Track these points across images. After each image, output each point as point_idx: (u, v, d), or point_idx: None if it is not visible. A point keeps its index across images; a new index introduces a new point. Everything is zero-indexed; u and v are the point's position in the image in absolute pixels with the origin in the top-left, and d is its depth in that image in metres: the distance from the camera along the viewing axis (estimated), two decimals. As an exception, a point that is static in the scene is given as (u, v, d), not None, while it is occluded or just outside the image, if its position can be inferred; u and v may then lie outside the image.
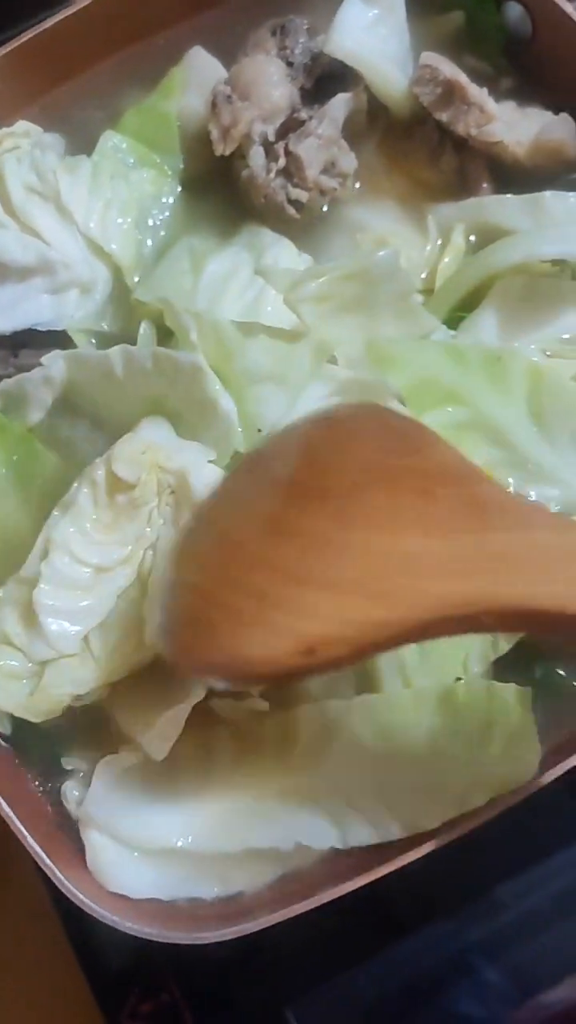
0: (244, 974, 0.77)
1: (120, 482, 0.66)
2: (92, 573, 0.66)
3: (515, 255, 0.71)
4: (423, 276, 0.76)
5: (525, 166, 0.74)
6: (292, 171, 0.75)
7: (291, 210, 0.75)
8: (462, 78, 0.73)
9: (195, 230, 0.78)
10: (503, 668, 0.66)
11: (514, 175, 0.76)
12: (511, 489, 0.66)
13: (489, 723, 0.61)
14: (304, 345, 0.67)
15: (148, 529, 0.66)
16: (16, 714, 0.66)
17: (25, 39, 0.77)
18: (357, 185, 0.79)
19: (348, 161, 0.76)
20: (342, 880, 0.62)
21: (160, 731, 0.63)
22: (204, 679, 0.59)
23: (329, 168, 0.75)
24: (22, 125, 0.79)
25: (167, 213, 0.79)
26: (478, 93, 0.73)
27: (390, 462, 0.49)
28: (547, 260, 0.71)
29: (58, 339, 0.76)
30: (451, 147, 0.76)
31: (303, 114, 0.75)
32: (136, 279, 0.76)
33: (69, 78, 0.82)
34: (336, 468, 0.50)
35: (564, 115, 0.76)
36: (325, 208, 0.77)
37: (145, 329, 0.72)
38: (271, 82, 0.75)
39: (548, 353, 0.70)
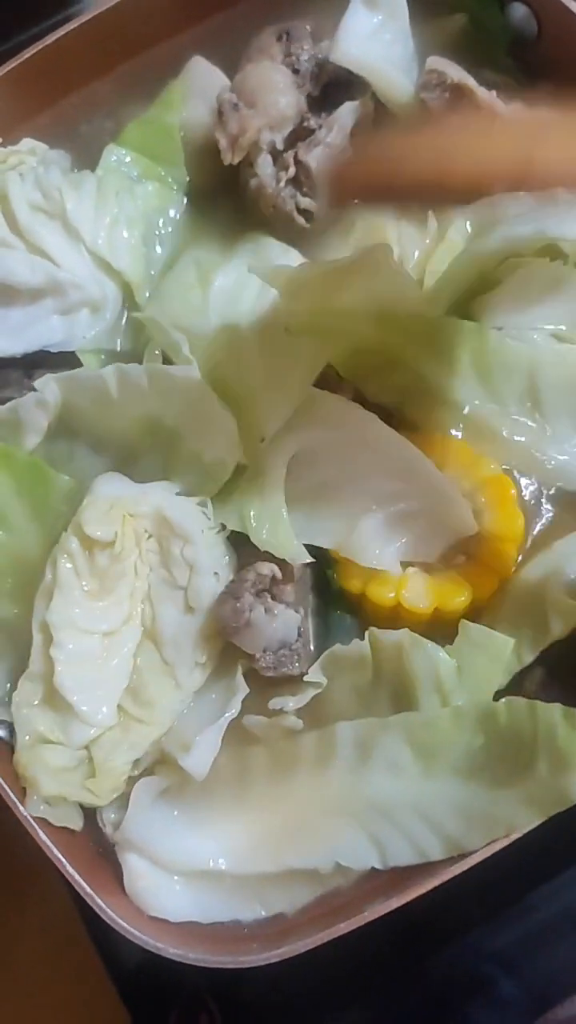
0: (282, 995, 0.77)
1: (96, 544, 0.65)
2: (101, 640, 0.65)
3: (494, 242, 0.70)
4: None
5: None
6: (302, 180, 0.74)
7: (301, 219, 0.74)
8: (470, 82, 0.72)
9: (200, 243, 0.77)
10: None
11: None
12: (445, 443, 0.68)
13: (534, 743, 0.60)
14: (300, 346, 0.67)
15: (137, 582, 0.66)
16: (84, 803, 0.66)
17: (27, 56, 0.76)
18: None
19: None
20: (380, 897, 0.62)
21: (199, 751, 0.63)
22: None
23: None
24: (27, 143, 0.79)
25: (171, 227, 0.78)
26: (487, 96, 0.72)
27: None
28: (527, 240, 0.70)
29: (71, 360, 0.75)
30: None
31: (312, 122, 0.74)
32: (147, 295, 0.76)
33: (71, 93, 0.82)
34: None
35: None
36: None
37: (151, 350, 0.71)
38: (278, 89, 0.74)
39: (559, 338, 0.70)
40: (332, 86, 0.76)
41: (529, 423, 0.68)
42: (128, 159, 0.78)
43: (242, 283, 0.73)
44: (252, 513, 0.65)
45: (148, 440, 0.70)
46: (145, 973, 0.79)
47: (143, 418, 0.69)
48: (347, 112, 0.75)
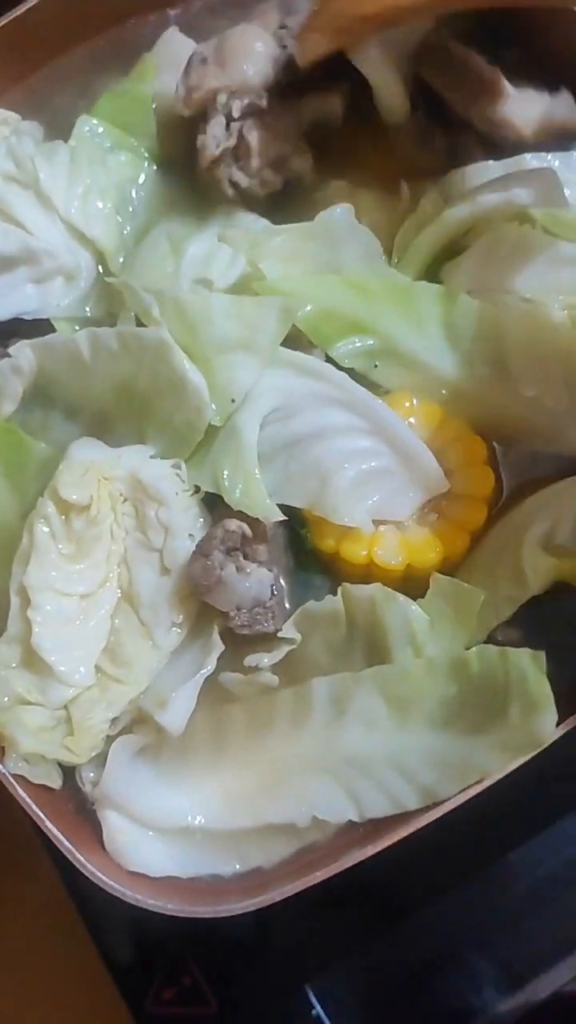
0: (262, 953, 0.78)
1: (73, 507, 0.66)
2: (78, 602, 0.66)
3: (464, 211, 0.71)
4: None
5: (527, 142, 0.74)
6: (239, 155, 0.74)
7: (228, 190, 0.75)
8: (475, 57, 0.72)
9: (171, 214, 0.77)
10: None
11: (505, 147, 0.75)
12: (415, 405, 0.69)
13: (505, 690, 0.60)
14: (269, 306, 0.67)
15: (113, 546, 0.67)
16: (63, 761, 0.66)
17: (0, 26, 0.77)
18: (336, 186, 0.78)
19: (301, 162, 0.75)
20: (357, 849, 0.62)
21: (175, 707, 0.64)
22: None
23: (279, 163, 0.74)
24: (0, 113, 0.79)
25: (142, 196, 0.78)
26: (491, 72, 0.72)
27: None
28: (498, 209, 0.70)
29: (44, 328, 0.75)
30: (440, 127, 0.75)
31: (264, 101, 0.73)
32: (120, 263, 0.76)
33: (44, 65, 0.82)
34: None
35: (565, 93, 0.75)
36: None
37: (124, 316, 0.72)
38: (251, 56, 0.74)
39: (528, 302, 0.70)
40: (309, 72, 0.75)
41: (497, 383, 0.68)
42: (100, 129, 0.78)
43: (212, 252, 0.74)
44: (225, 473, 0.66)
45: (122, 405, 0.70)
46: (129, 938, 0.80)
47: (116, 382, 0.70)
48: (310, 105, 0.75)
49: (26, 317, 0.75)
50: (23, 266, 0.74)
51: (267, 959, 0.78)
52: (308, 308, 0.67)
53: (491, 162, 0.73)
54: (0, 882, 0.86)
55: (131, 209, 0.78)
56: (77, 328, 0.75)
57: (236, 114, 0.74)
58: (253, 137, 0.73)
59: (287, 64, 0.75)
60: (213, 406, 0.66)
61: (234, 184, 0.75)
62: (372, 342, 0.68)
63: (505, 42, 0.77)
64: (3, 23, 0.77)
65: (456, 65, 0.73)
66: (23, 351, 0.70)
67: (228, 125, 0.74)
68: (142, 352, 0.67)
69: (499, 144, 0.74)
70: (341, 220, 0.71)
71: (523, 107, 0.73)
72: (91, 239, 0.75)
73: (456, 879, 0.78)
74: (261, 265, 0.68)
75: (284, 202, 0.77)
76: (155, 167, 0.79)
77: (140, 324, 0.71)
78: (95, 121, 0.78)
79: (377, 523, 0.67)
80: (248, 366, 0.67)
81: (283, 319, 0.67)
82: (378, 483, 0.66)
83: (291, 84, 0.75)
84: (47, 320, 0.76)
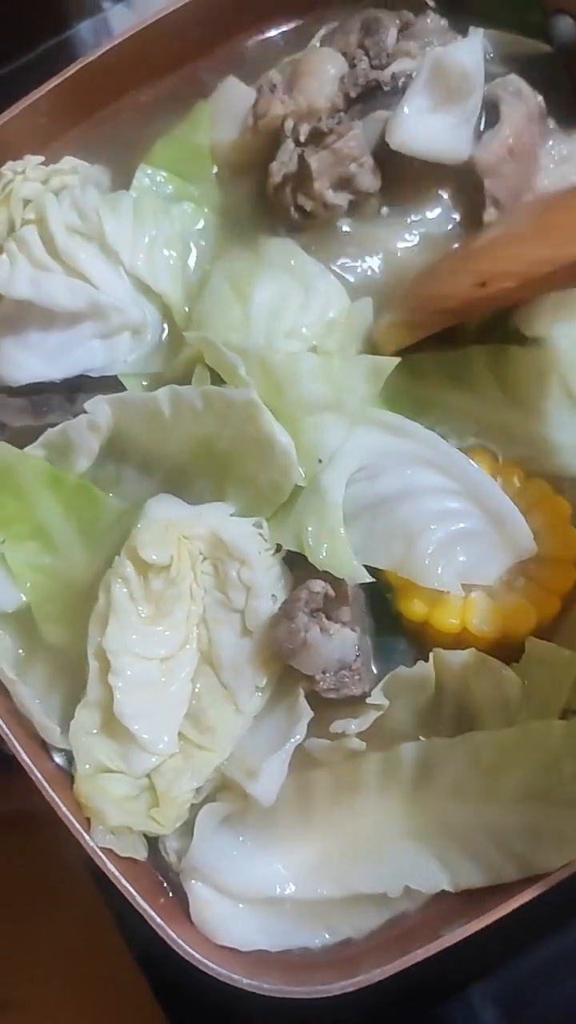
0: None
1: (152, 568, 0.64)
2: (159, 666, 0.65)
3: None
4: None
5: None
6: (302, 178, 0.72)
7: (295, 215, 0.73)
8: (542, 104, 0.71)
9: (227, 254, 0.75)
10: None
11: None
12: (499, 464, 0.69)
13: None
14: (358, 367, 0.66)
15: (193, 606, 0.65)
16: (149, 832, 0.65)
17: (69, 74, 0.75)
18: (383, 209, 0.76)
19: (369, 181, 0.73)
20: (451, 920, 0.61)
21: (266, 776, 0.62)
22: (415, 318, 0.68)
23: (343, 184, 0.72)
24: (68, 161, 0.77)
25: (203, 245, 0.76)
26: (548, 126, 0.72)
27: None
28: None
29: (111, 384, 0.74)
30: None
31: (324, 125, 0.72)
32: (186, 311, 0.74)
33: (109, 109, 0.81)
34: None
35: None
36: (346, 228, 0.74)
37: (200, 372, 0.70)
38: (320, 80, 0.73)
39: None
40: (377, 92, 0.74)
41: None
42: (160, 178, 0.76)
43: (283, 295, 0.71)
44: (310, 532, 0.64)
45: (200, 461, 0.69)
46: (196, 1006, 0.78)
47: (195, 440, 0.68)
48: (373, 122, 0.73)
49: (92, 374, 0.73)
50: (89, 321, 0.72)
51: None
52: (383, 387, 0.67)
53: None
54: (50, 927, 0.84)
55: (193, 260, 0.76)
56: (145, 384, 0.73)
57: (303, 139, 0.72)
58: (314, 160, 0.71)
59: (360, 81, 0.74)
60: (300, 468, 0.65)
61: (300, 208, 0.73)
62: (441, 414, 0.68)
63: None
64: (71, 72, 0.75)
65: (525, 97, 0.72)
66: (100, 406, 0.68)
67: (294, 151, 0.73)
68: (227, 411, 0.66)
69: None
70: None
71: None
72: (158, 292, 0.73)
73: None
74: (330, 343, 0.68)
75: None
76: (213, 216, 0.77)
77: (216, 380, 0.69)
78: (154, 170, 0.76)
79: (466, 588, 0.65)
80: (336, 427, 0.65)
81: (373, 380, 0.65)
82: (466, 545, 0.65)
83: (362, 99, 0.74)
84: (114, 377, 0.74)
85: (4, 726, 0.64)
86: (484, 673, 0.64)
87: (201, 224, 0.77)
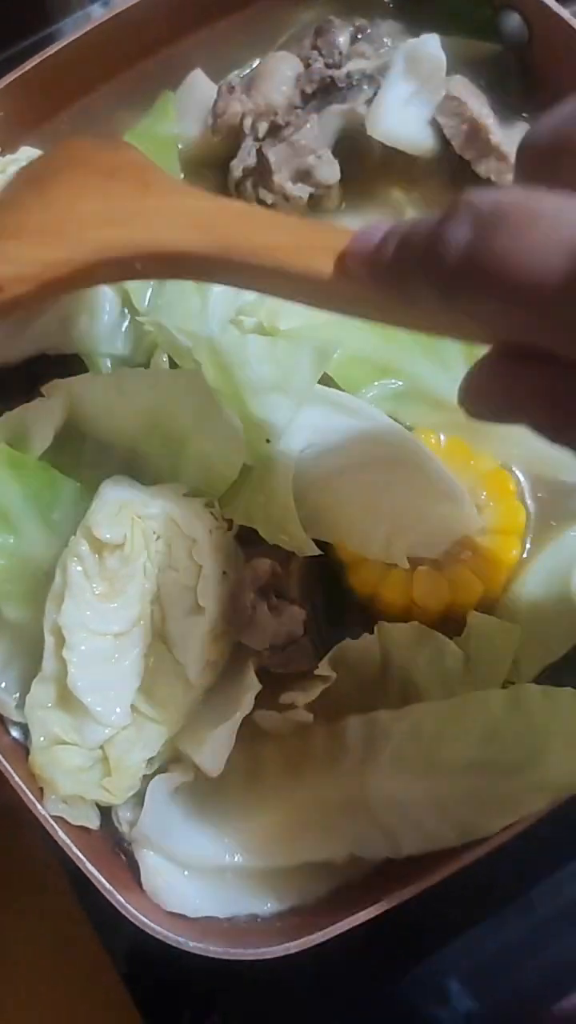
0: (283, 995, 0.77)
1: (106, 546, 0.66)
2: (112, 641, 0.66)
3: None
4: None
5: None
6: (262, 173, 0.75)
7: None
8: (488, 120, 0.73)
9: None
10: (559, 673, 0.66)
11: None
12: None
13: (546, 728, 0.60)
14: (304, 349, 0.67)
15: (146, 584, 0.67)
16: (101, 802, 0.66)
17: (28, 68, 0.77)
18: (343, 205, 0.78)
19: (328, 172, 0.75)
20: (394, 886, 0.62)
21: (213, 747, 0.64)
22: None
23: (303, 176, 0.75)
24: (25, 151, 0.79)
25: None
26: (500, 139, 0.73)
27: (88, 154, 0.63)
28: None
29: (71, 363, 0.75)
30: (471, 177, 0.75)
31: (280, 119, 0.75)
32: (146, 301, 0.76)
33: (70, 103, 0.83)
34: (49, 158, 0.67)
35: None
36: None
37: (157, 356, 0.73)
38: (276, 79, 0.75)
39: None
40: (332, 88, 0.76)
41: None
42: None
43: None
44: (260, 506, 0.66)
45: (154, 443, 0.71)
46: (154, 973, 0.79)
47: (149, 421, 0.70)
48: (329, 116, 0.75)
49: (50, 353, 0.75)
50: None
51: (288, 1002, 0.78)
52: (335, 356, 0.68)
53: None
54: (19, 917, 0.85)
55: None
56: (108, 364, 0.75)
57: (261, 134, 0.75)
58: (272, 153, 0.73)
59: (315, 78, 0.76)
60: (247, 447, 0.67)
61: (261, 202, 0.75)
62: (399, 384, 0.69)
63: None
64: (31, 66, 0.77)
65: (467, 120, 0.74)
66: (56, 389, 0.70)
67: (253, 146, 0.75)
68: (178, 393, 0.68)
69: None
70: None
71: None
72: None
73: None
74: (279, 324, 0.69)
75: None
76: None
77: (172, 364, 0.71)
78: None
79: (413, 561, 0.67)
80: (283, 407, 0.67)
81: (318, 361, 0.67)
82: (414, 520, 0.66)
83: (320, 95, 0.76)
84: (74, 356, 0.75)
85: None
86: (427, 645, 0.65)
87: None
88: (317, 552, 0.65)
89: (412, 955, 0.78)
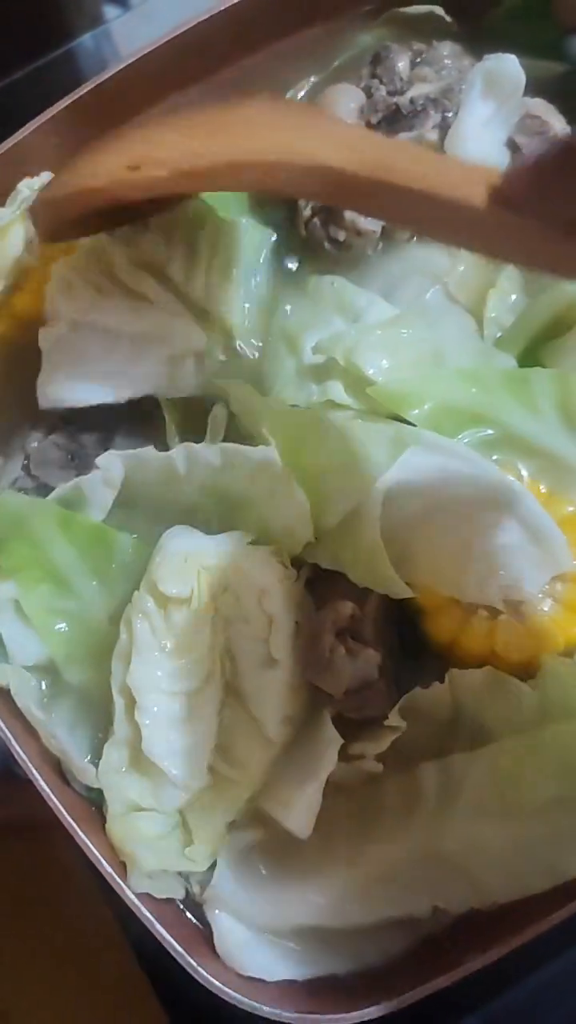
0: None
1: (172, 600, 0.64)
2: (185, 700, 0.64)
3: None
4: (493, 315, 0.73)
5: None
6: (332, 209, 0.72)
7: (331, 248, 0.73)
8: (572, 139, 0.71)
9: (282, 295, 0.75)
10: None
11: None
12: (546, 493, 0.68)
13: None
14: (380, 435, 0.65)
15: (216, 637, 0.64)
16: (187, 870, 0.64)
17: (82, 93, 0.75)
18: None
19: None
20: (478, 942, 0.61)
21: (300, 808, 0.62)
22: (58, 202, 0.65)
23: None
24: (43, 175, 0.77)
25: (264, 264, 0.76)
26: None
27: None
28: None
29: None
30: None
31: None
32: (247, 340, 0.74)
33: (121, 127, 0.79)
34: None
35: None
36: (371, 252, 0.75)
37: (217, 412, 0.71)
38: (342, 112, 0.73)
39: None
40: (397, 116, 0.74)
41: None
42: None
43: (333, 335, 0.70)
44: (347, 549, 0.64)
45: (212, 505, 0.69)
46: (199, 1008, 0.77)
47: (210, 489, 0.68)
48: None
49: (157, 394, 0.73)
50: (156, 346, 0.72)
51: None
52: (426, 407, 0.66)
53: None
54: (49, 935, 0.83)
55: (254, 279, 0.75)
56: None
57: None
58: None
59: (379, 107, 0.74)
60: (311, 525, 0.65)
61: (333, 240, 0.73)
62: (491, 432, 0.67)
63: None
64: (86, 90, 0.75)
65: (551, 138, 0.71)
66: (114, 463, 0.68)
67: None
68: (245, 469, 0.66)
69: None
70: (435, 301, 0.70)
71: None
72: (217, 317, 0.72)
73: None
74: (365, 366, 0.66)
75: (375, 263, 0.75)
76: (273, 238, 0.77)
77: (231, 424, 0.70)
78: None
79: (492, 611, 0.65)
80: (352, 487, 0.65)
81: (393, 450, 0.65)
82: (506, 560, 0.64)
83: (385, 124, 0.74)
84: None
85: (34, 770, 0.64)
86: (500, 690, 0.63)
87: (261, 242, 0.76)
88: (410, 594, 0.63)
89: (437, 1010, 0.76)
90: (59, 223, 0.67)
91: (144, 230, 0.74)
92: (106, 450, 0.70)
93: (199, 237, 0.73)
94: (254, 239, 0.75)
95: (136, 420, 0.74)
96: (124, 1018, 0.80)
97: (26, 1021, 0.80)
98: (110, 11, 0.99)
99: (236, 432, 0.71)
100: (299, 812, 0.61)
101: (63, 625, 0.67)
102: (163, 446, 0.71)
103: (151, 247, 0.72)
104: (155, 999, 0.76)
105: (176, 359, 0.72)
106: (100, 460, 0.68)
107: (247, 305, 0.74)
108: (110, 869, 0.62)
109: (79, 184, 0.62)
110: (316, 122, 0.59)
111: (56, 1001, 0.80)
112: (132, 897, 0.61)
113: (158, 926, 0.60)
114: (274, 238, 0.76)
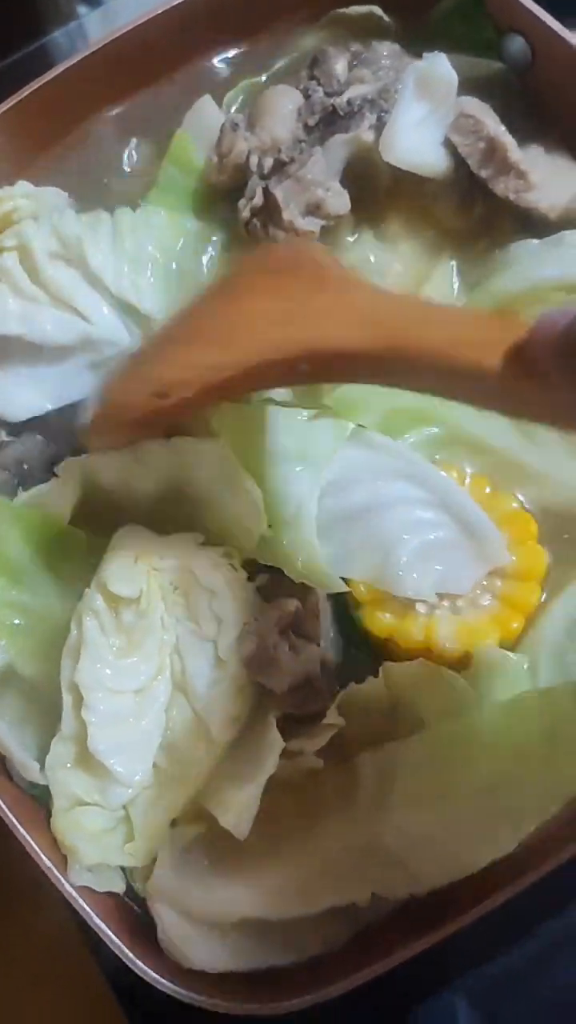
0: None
1: (122, 600, 0.64)
2: (132, 698, 0.64)
3: (517, 283, 0.71)
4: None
5: (552, 224, 0.74)
6: (271, 211, 0.73)
7: None
8: (506, 139, 0.71)
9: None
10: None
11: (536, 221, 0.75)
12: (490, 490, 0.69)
13: (551, 732, 0.60)
14: (323, 423, 0.67)
15: (165, 636, 0.65)
16: (127, 865, 0.65)
17: (26, 94, 0.75)
18: (371, 233, 0.77)
19: (338, 203, 0.73)
20: (415, 930, 0.61)
21: (239, 810, 0.62)
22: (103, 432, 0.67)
23: (313, 210, 0.73)
24: (22, 187, 0.76)
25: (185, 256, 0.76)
26: (519, 157, 0.71)
27: (267, 254, 0.64)
28: (551, 285, 0.70)
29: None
30: (481, 197, 0.74)
31: (284, 155, 0.73)
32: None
33: (70, 131, 0.80)
34: (237, 267, 0.64)
35: None
36: None
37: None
38: (279, 115, 0.74)
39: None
40: (334, 117, 0.74)
41: (560, 454, 0.69)
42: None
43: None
44: (284, 544, 0.65)
45: (170, 506, 0.69)
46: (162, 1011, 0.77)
47: (167, 487, 0.68)
48: (335, 146, 0.73)
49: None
50: (80, 353, 0.73)
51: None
52: (377, 415, 0.67)
53: (532, 241, 0.73)
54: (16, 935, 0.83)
55: (177, 272, 0.76)
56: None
57: (266, 171, 0.73)
58: (279, 191, 0.72)
59: (316, 108, 0.74)
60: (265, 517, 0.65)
61: (272, 240, 0.73)
62: (436, 430, 0.68)
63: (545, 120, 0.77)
64: (29, 92, 0.74)
65: (484, 139, 0.72)
66: (71, 469, 0.69)
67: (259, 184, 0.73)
68: (197, 462, 0.66)
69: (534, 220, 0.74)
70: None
71: (547, 190, 0.72)
72: (144, 313, 0.73)
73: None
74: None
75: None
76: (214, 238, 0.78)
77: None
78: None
79: (430, 606, 0.66)
80: (302, 479, 0.66)
81: (337, 436, 0.66)
82: (441, 555, 0.65)
83: (323, 125, 0.74)
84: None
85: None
86: (434, 681, 0.64)
87: (180, 237, 0.77)
88: (344, 589, 0.64)
89: (423, 981, 0.77)
90: (119, 442, 0.67)
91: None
92: (54, 463, 0.70)
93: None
94: (174, 230, 0.76)
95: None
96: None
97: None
98: (82, 8, 0.99)
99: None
100: (237, 813, 0.62)
101: (17, 619, 0.67)
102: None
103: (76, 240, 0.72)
104: (116, 1003, 0.76)
105: (102, 364, 0.73)
106: (59, 468, 0.69)
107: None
108: (49, 863, 0.62)
109: (118, 416, 0.64)
110: (321, 297, 0.55)
111: (14, 1007, 0.80)
112: (71, 890, 0.62)
113: (96, 919, 0.61)
114: (215, 238, 0.77)
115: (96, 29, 0.98)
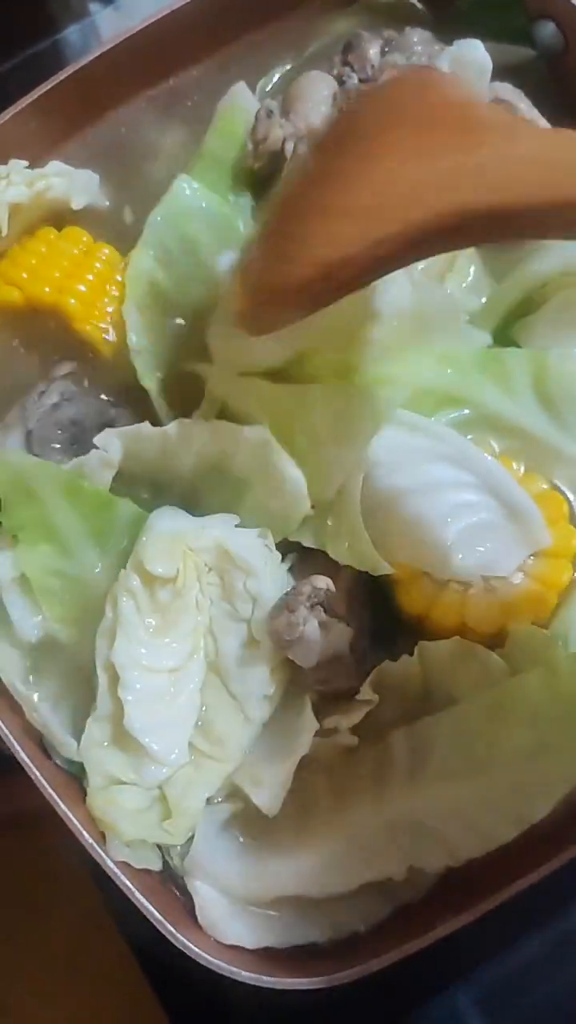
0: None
1: (158, 580, 0.65)
2: (167, 677, 0.65)
3: (550, 264, 0.71)
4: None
5: None
6: None
7: None
8: (541, 122, 0.71)
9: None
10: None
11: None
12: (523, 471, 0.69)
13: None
14: (363, 405, 0.66)
15: (199, 617, 0.65)
16: (163, 843, 0.65)
17: (61, 79, 0.75)
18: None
19: None
20: (452, 910, 0.62)
21: (271, 787, 0.63)
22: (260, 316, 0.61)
23: None
24: (55, 166, 0.77)
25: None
26: None
27: (402, 102, 0.56)
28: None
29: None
30: None
31: None
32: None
33: (102, 115, 0.81)
34: (362, 112, 0.57)
35: None
36: None
37: (208, 400, 0.70)
38: (314, 100, 0.74)
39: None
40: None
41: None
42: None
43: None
44: (330, 527, 0.65)
45: (211, 485, 0.69)
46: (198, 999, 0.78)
47: (207, 466, 0.69)
48: None
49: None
50: None
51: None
52: (406, 392, 0.67)
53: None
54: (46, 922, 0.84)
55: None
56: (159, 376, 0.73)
57: None
58: None
59: (351, 95, 0.74)
60: (309, 499, 0.66)
61: None
62: (467, 412, 0.68)
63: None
64: (63, 77, 0.75)
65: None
66: (111, 441, 0.68)
67: None
68: (239, 445, 0.66)
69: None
70: (440, 301, 0.70)
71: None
72: None
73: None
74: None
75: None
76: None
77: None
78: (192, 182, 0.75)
79: (463, 584, 0.66)
80: (344, 461, 0.66)
81: (376, 419, 0.65)
82: (486, 537, 0.65)
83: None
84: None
85: (16, 743, 0.65)
86: (469, 659, 0.65)
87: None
88: (390, 571, 0.64)
89: (426, 981, 0.78)
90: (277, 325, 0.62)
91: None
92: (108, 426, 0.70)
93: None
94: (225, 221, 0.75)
95: (132, 403, 0.75)
96: (121, 1011, 0.81)
97: (23, 1016, 0.81)
98: (93, 6, 1.00)
99: (228, 417, 0.70)
100: (270, 791, 0.63)
101: (59, 584, 0.67)
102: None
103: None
104: (152, 992, 0.77)
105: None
106: (98, 439, 0.68)
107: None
108: (90, 839, 0.63)
109: (272, 301, 0.59)
110: (481, 151, 0.51)
111: (53, 996, 0.81)
112: (112, 866, 0.62)
113: (137, 894, 0.62)
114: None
115: (108, 25, 0.99)
